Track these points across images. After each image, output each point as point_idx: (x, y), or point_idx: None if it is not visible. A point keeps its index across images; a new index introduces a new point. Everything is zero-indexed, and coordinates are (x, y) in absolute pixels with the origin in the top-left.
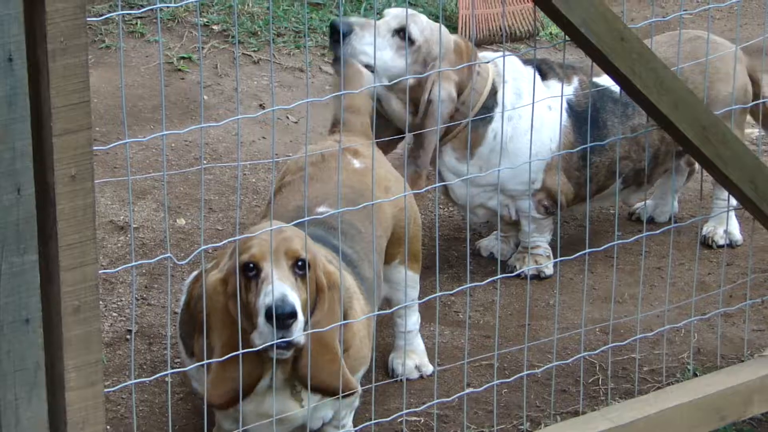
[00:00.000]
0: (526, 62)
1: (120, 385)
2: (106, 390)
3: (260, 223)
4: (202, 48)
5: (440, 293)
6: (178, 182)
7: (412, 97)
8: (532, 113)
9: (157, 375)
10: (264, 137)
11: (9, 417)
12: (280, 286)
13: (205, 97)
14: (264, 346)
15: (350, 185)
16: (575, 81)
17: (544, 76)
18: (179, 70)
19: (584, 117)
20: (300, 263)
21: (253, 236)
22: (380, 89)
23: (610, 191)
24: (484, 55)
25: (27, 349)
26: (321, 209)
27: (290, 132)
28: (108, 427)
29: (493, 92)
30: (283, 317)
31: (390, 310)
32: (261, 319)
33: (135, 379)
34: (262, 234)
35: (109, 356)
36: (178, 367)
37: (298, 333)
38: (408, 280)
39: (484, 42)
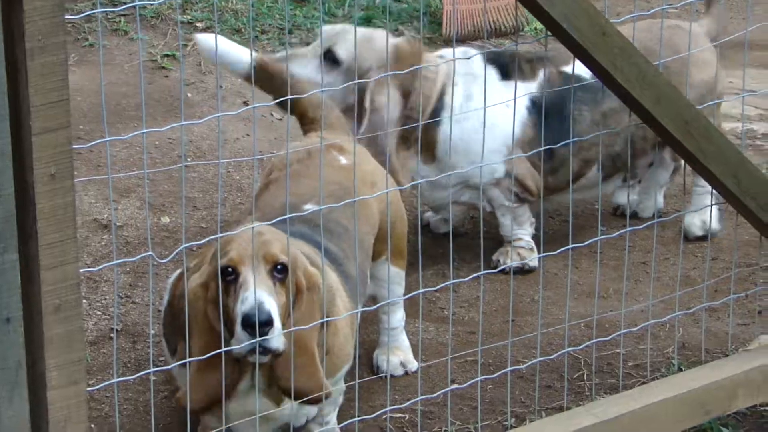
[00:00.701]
0: (490, 60)
1: (103, 384)
2: (89, 389)
3: (242, 222)
4: (186, 45)
5: (424, 289)
6: (162, 180)
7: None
8: (485, 115)
9: (141, 373)
10: (248, 134)
11: None
12: (258, 294)
13: (189, 94)
14: (240, 348)
15: (337, 182)
16: (540, 75)
17: (505, 75)
18: (163, 67)
19: (548, 111)
20: (279, 267)
21: (233, 239)
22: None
23: (590, 180)
24: (441, 53)
25: (8, 349)
26: (307, 206)
27: (274, 129)
28: (92, 425)
29: (442, 95)
30: (259, 325)
31: (374, 307)
32: (238, 327)
33: (118, 377)
34: (241, 235)
35: (93, 355)
36: (162, 366)
37: (275, 339)
38: (393, 276)
39: (468, 38)
